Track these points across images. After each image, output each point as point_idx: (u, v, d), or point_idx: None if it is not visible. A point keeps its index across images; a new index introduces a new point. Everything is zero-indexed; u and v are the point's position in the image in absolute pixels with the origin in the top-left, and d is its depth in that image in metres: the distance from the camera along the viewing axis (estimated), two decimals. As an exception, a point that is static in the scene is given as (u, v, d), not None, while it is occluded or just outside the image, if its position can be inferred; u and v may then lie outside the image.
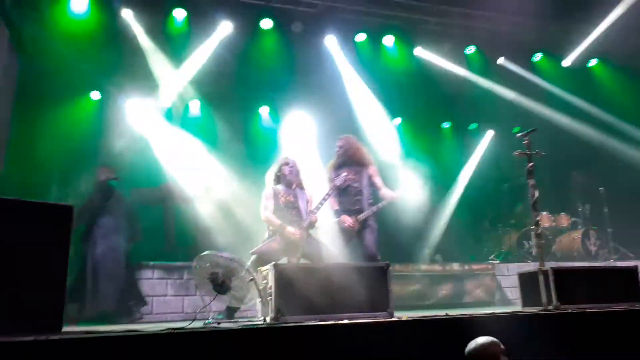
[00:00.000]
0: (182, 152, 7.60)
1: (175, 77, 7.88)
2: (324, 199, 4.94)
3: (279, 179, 5.09)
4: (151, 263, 5.83)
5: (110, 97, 7.89)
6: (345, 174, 5.09)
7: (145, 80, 7.83)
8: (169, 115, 8.25)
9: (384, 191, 5.28)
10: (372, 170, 5.38)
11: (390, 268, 3.95)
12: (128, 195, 6.83)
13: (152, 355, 2.52)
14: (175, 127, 8.09)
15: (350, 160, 5.27)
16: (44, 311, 2.75)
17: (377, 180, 5.35)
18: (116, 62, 7.66)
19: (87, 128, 7.65)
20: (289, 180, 5.03)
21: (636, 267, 4.44)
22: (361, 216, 5.10)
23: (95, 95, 8.04)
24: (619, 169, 8.94)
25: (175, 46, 7.76)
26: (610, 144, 9.18)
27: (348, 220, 5.08)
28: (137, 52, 7.59)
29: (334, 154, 5.49)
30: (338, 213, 5.20)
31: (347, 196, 5.21)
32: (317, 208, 4.90)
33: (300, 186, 5.10)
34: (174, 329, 2.75)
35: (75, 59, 7.03)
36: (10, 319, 2.58)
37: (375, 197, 5.31)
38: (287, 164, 5.09)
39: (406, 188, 5.26)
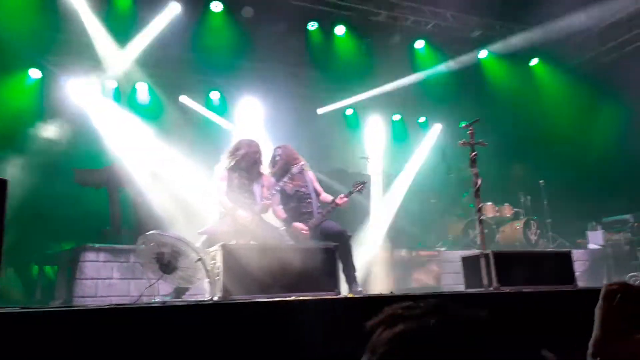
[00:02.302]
0: (128, 134, 7.38)
1: (121, 58, 7.63)
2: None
3: (235, 161, 4.93)
4: (97, 245, 5.63)
5: (51, 76, 7.56)
6: (296, 170, 4.99)
7: (89, 60, 7.56)
8: (115, 96, 8.01)
9: (324, 196, 5.26)
10: (312, 175, 5.36)
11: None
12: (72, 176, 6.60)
13: (93, 331, 2.45)
14: (122, 108, 7.85)
15: (291, 167, 5.08)
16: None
17: (317, 186, 5.33)
18: (57, 39, 7.35)
19: (26, 106, 7.31)
20: (247, 163, 4.91)
21: (570, 251, 4.68)
22: (312, 223, 4.94)
23: (34, 73, 7.68)
24: (557, 162, 9.43)
25: (120, 25, 7.50)
26: (550, 139, 9.68)
27: (302, 227, 4.88)
28: (80, 30, 7.28)
29: (272, 163, 5.28)
30: (287, 221, 4.99)
31: (297, 202, 5.08)
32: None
33: (257, 170, 5.01)
34: (118, 304, 2.68)
35: (9, 34, 6.68)
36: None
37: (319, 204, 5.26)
38: (251, 146, 4.98)
39: (355, 187, 5.13)
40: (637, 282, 6.54)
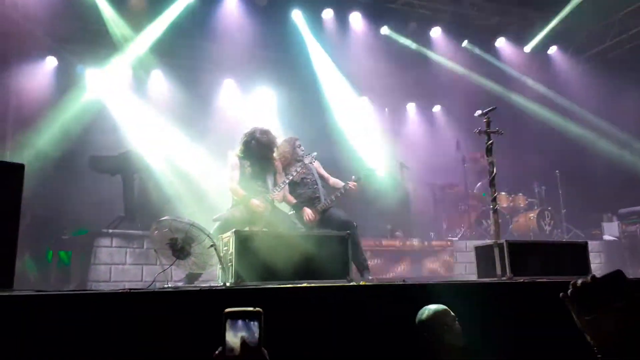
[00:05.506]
0: (143, 121, 7.42)
1: (136, 46, 7.65)
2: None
3: (247, 149, 4.94)
4: (110, 231, 5.70)
5: (67, 63, 7.62)
6: (308, 160, 5.05)
7: (105, 48, 7.60)
8: (130, 83, 8.05)
9: (334, 181, 5.32)
10: (317, 164, 5.39)
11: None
12: (87, 163, 6.65)
13: (108, 315, 2.48)
14: (137, 95, 7.89)
15: (297, 158, 5.15)
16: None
17: (324, 172, 5.39)
18: (73, 27, 7.39)
19: (43, 93, 7.38)
20: (260, 151, 4.91)
21: (586, 242, 4.61)
22: (320, 206, 5.01)
23: (51, 61, 7.75)
24: (573, 153, 9.30)
25: (136, 13, 7.53)
26: (568, 129, 9.55)
27: (309, 212, 4.98)
28: (96, 19, 7.33)
29: (281, 155, 5.25)
30: (297, 206, 5.09)
31: (304, 187, 5.16)
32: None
33: (270, 158, 5.01)
34: (132, 289, 2.71)
35: (27, 22, 6.73)
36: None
37: (326, 189, 5.32)
38: (264, 134, 4.96)
39: (366, 173, 5.15)
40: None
